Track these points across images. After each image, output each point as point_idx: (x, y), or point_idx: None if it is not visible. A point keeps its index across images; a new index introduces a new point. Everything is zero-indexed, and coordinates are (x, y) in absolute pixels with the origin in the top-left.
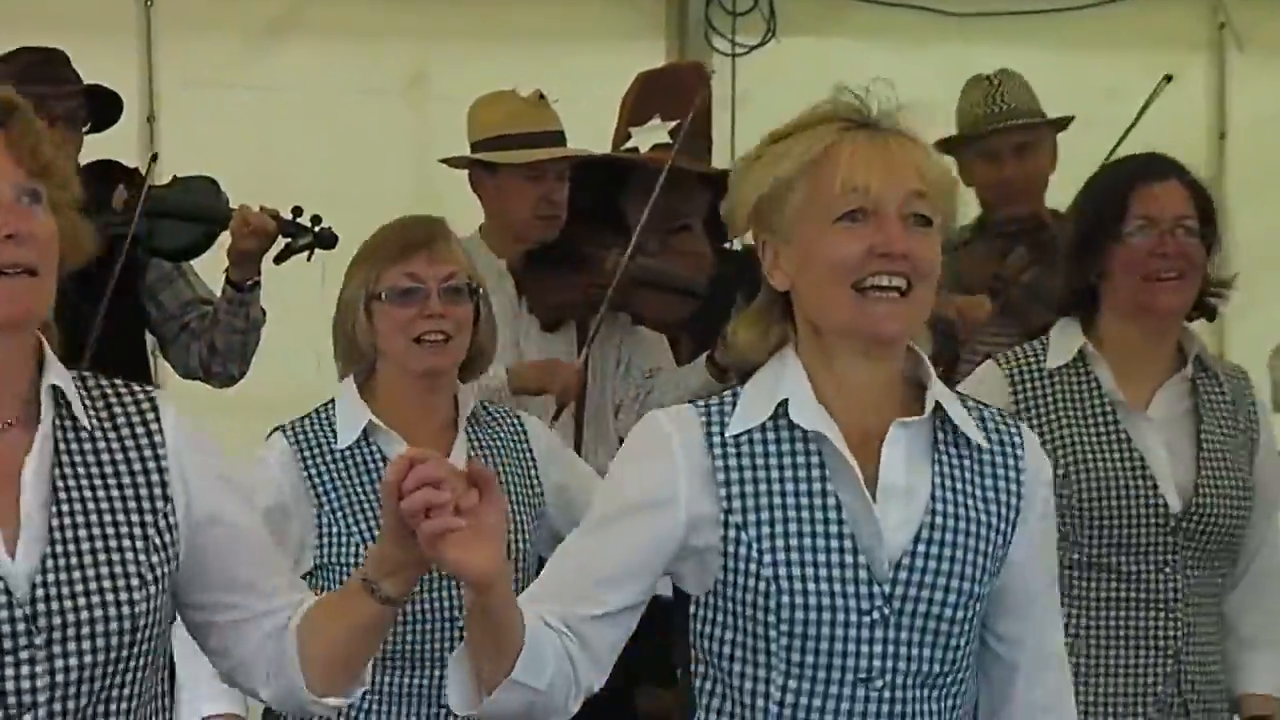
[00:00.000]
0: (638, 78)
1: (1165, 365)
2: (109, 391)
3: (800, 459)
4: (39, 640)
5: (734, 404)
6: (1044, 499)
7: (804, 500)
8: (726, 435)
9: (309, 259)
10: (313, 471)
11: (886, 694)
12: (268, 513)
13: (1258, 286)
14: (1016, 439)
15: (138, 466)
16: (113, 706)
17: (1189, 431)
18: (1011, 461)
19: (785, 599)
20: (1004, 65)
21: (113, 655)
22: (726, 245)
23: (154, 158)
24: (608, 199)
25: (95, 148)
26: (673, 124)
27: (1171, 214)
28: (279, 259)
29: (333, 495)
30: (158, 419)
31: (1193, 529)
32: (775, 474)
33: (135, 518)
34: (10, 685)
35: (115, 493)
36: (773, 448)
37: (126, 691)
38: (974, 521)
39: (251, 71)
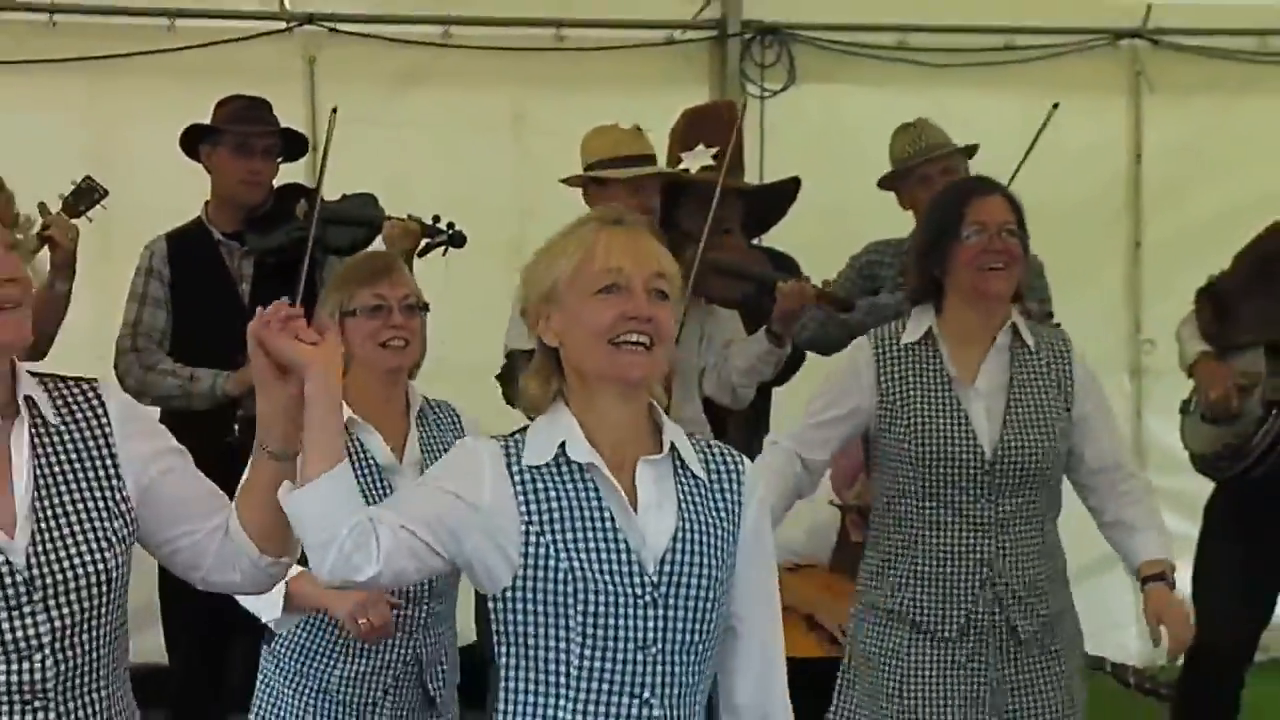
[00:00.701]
0: (684, 113)
1: (982, 347)
2: (65, 391)
3: (579, 483)
4: (37, 598)
5: (523, 443)
6: (754, 514)
7: (586, 513)
8: (524, 464)
9: (444, 254)
10: None
11: (658, 658)
12: None
13: (1170, 275)
14: (736, 469)
15: (95, 451)
16: (97, 645)
17: (1005, 397)
18: (732, 486)
19: (580, 585)
20: (970, 105)
21: (94, 604)
22: (755, 243)
23: (322, 174)
24: (665, 209)
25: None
26: (715, 150)
27: (997, 220)
28: (421, 254)
29: None
30: (103, 406)
31: (1002, 469)
32: (562, 494)
33: (99, 494)
34: (20, 634)
35: (81, 475)
36: (558, 476)
37: (103, 632)
38: (711, 527)
39: (390, 112)
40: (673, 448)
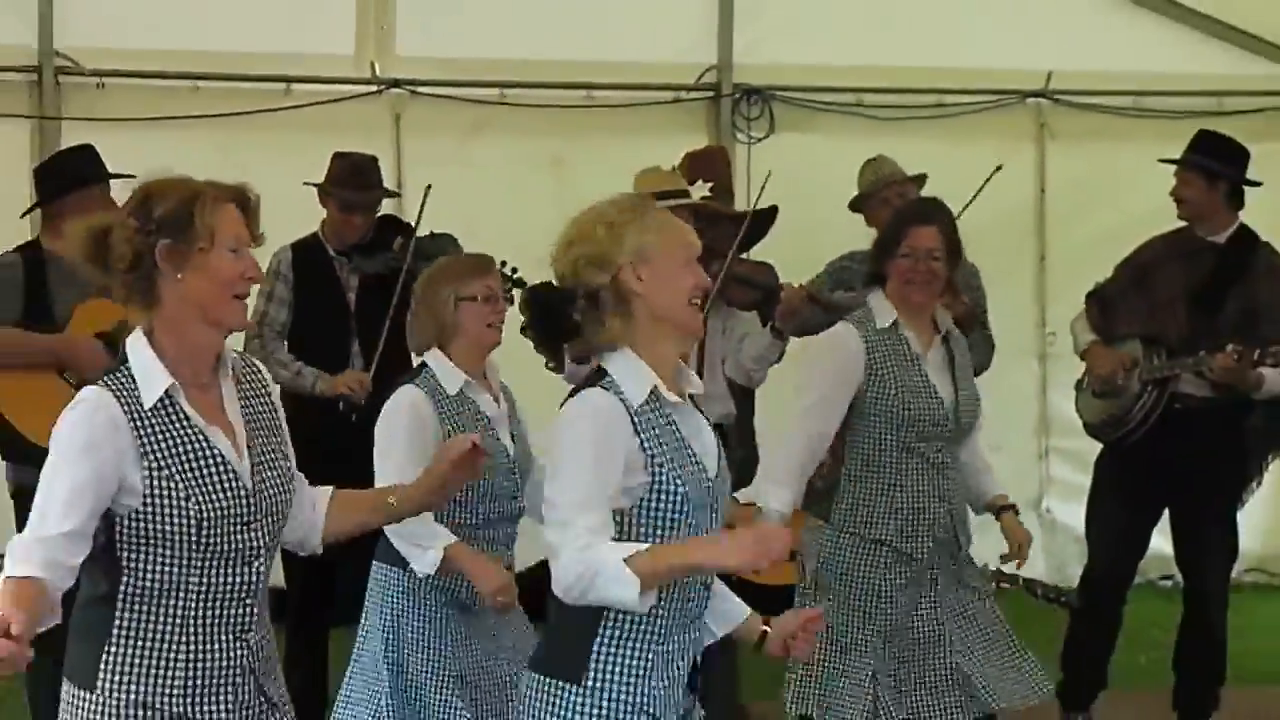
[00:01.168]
0: (686, 155)
1: (928, 332)
2: (244, 363)
3: (666, 419)
4: (259, 514)
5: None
6: None
7: (681, 444)
8: (632, 406)
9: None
10: (441, 408)
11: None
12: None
13: (1066, 282)
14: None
15: (269, 410)
16: (272, 558)
17: (950, 372)
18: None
19: (688, 503)
20: (911, 149)
21: (280, 525)
22: (743, 257)
23: (418, 223)
24: None
25: None
26: (711, 184)
27: (925, 247)
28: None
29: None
30: (266, 381)
31: (957, 425)
32: (663, 430)
33: (278, 441)
34: (247, 543)
35: (267, 425)
36: (654, 415)
37: (275, 548)
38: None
39: (458, 155)
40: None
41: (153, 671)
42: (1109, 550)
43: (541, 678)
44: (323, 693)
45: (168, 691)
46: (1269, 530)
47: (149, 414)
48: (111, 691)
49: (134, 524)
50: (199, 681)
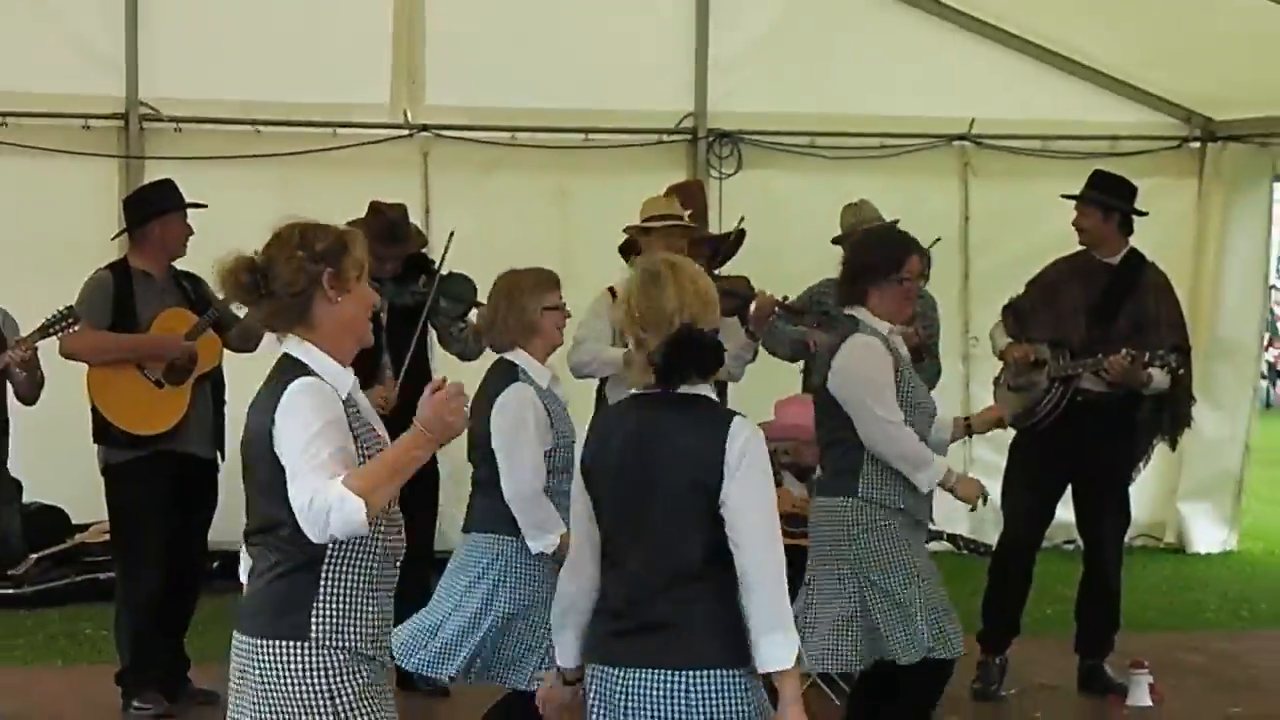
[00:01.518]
0: (669, 188)
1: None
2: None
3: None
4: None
5: None
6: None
7: None
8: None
9: None
10: (541, 400)
11: None
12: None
13: (990, 294)
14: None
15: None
16: None
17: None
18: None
19: None
20: (856, 183)
21: None
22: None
23: (443, 257)
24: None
25: None
26: (690, 211)
27: (918, 272)
28: None
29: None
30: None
31: (936, 416)
32: None
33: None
34: (396, 510)
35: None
36: None
37: None
38: None
39: (477, 188)
40: None
41: (354, 622)
42: (1021, 520)
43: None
44: None
45: (364, 637)
46: (1154, 502)
47: (344, 402)
48: (322, 641)
49: None
50: (379, 628)
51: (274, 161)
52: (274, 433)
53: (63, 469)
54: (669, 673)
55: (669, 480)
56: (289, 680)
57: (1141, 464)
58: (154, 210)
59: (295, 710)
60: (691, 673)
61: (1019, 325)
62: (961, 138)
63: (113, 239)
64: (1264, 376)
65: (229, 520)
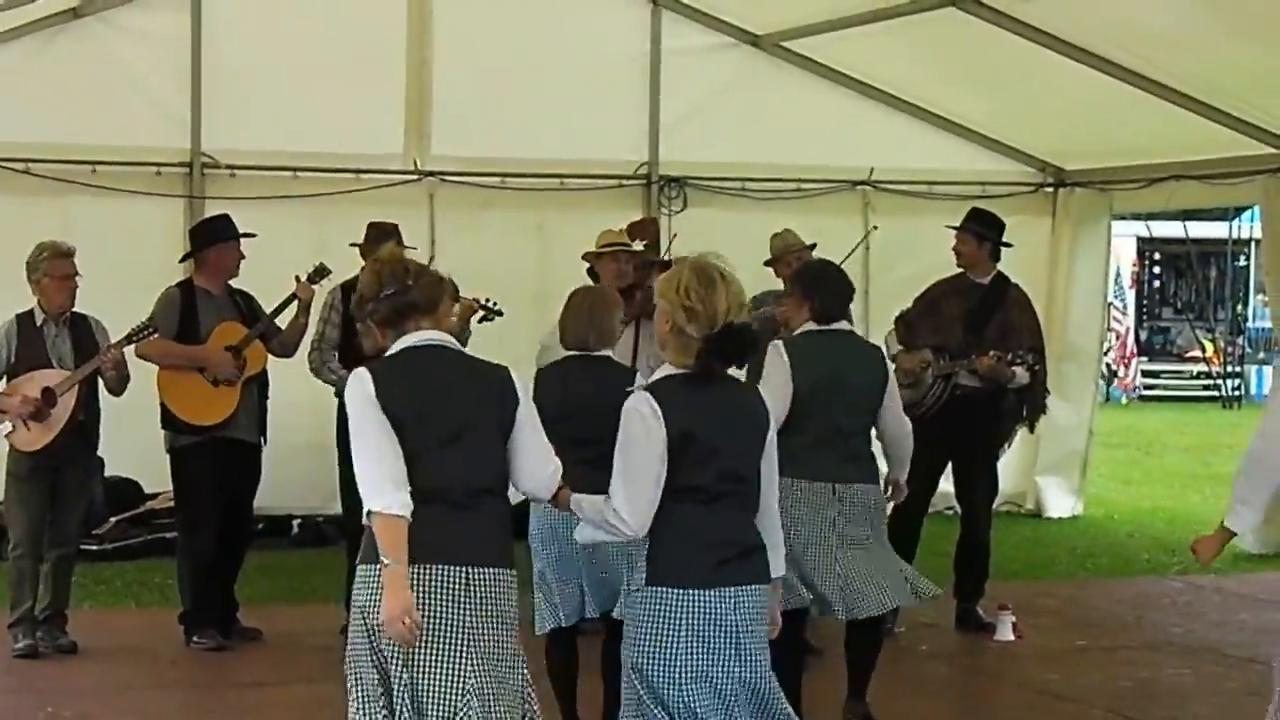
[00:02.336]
0: (629, 223)
1: None
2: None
3: None
4: None
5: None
6: None
7: None
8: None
9: (491, 320)
10: None
11: None
12: None
13: (887, 309)
14: None
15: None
16: None
17: None
18: None
19: None
20: (779, 220)
21: None
22: None
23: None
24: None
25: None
26: (646, 242)
27: None
28: (479, 321)
29: None
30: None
31: None
32: None
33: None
34: None
35: None
36: None
37: None
38: None
39: (474, 223)
40: None
41: None
42: (911, 491)
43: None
44: None
45: None
46: (1016, 476)
47: None
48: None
49: None
50: None
51: (308, 201)
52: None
53: (137, 448)
54: (765, 585)
55: (753, 438)
56: None
57: (1006, 444)
58: (211, 239)
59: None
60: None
61: (908, 332)
62: (863, 183)
63: (180, 261)
64: (1103, 376)
65: (271, 491)
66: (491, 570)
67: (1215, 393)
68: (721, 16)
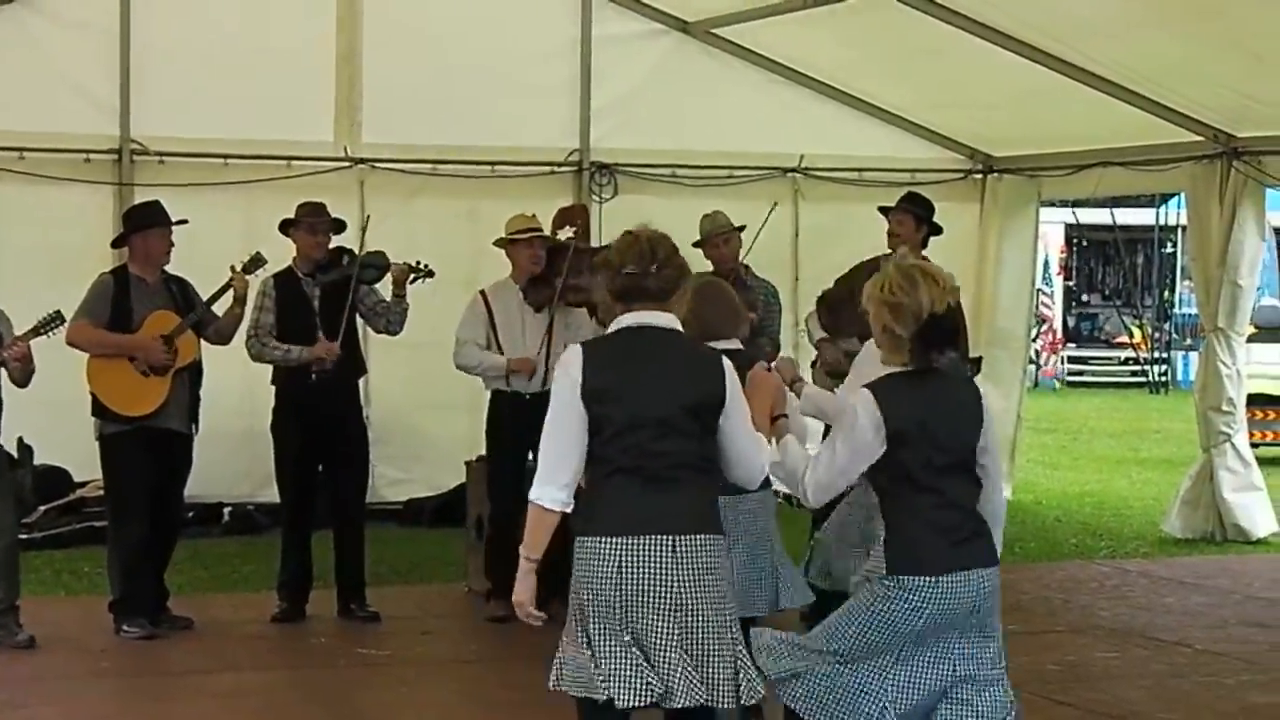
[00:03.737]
0: (559, 209)
1: None
2: None
3: None
4: None
5: None
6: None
7: None
8: None
9: (422, 282)
10: None
11: None
12: None
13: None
14: None
15: None
16: None
17: None
18: None
19: None
20: (709, 205)
21: None
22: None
23: (362, 241)
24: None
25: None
26: (574, 229)
27: None
28: (410, 282)
29: None
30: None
31: None
32: None
33: None
34: None
35: None
36: None
37: None
38: None
39: (404, 209)
40: None
41: None
42: None
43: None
44: (309, 574)
45: None
46: None
47: None
48: None
49: None
50: None
51: (239, 188)
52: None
53: (67, 436)
54: (996, 567)
55: (974, 427)
56: None
57: None
58: (139, 225)
59: None
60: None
61: (831, 316)
62: (793, 170)
63: (114, 246)
64: (1031, 361)
65: (202, 479)
66: (699, 537)
67: (1142, 378)
68: (652, 3)
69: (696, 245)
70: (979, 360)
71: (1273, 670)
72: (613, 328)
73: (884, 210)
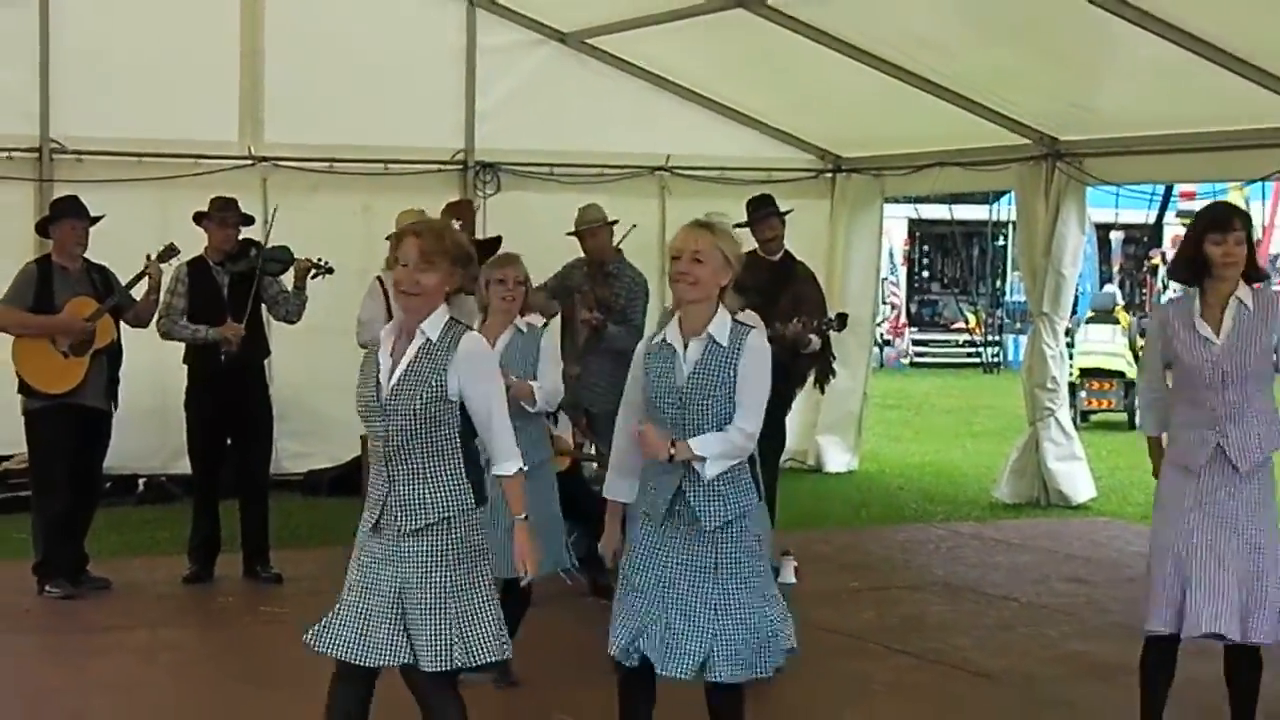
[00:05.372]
0: (446, 204)
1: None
2: (446, 330)
3: (668, 350)
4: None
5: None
6: (746, 358)
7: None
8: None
9: (322, 277)
10: None
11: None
12: None
13: None
14: (742, 340)
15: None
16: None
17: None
18: (738, 348)
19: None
20: (581, 200)
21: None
22: None
23: (268, 234)
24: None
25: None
26: (460, 222)
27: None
28: (312, 277)
29: None
30: (457, 341)
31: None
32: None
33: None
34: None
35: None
36: (658, 350)
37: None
38: (719, 368)
39: (303, 205)
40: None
41: None
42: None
43: None
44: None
45: None
46: (800, 435)
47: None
48: None
49: None
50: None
51: (152, 184)
52: None
53: None
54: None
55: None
56: None
57: (790, 405)
58: (53, 217)
59: None
60: None
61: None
62: (661, 169)
63: (37, 233)
64: (877, 344)
65: (118, 453)
66: None
67: (977, 359)
68: (531, 15)
69: (572, 234)
70: (843, 316)
71: (1090, 621)
72: None
73: (752, 223)
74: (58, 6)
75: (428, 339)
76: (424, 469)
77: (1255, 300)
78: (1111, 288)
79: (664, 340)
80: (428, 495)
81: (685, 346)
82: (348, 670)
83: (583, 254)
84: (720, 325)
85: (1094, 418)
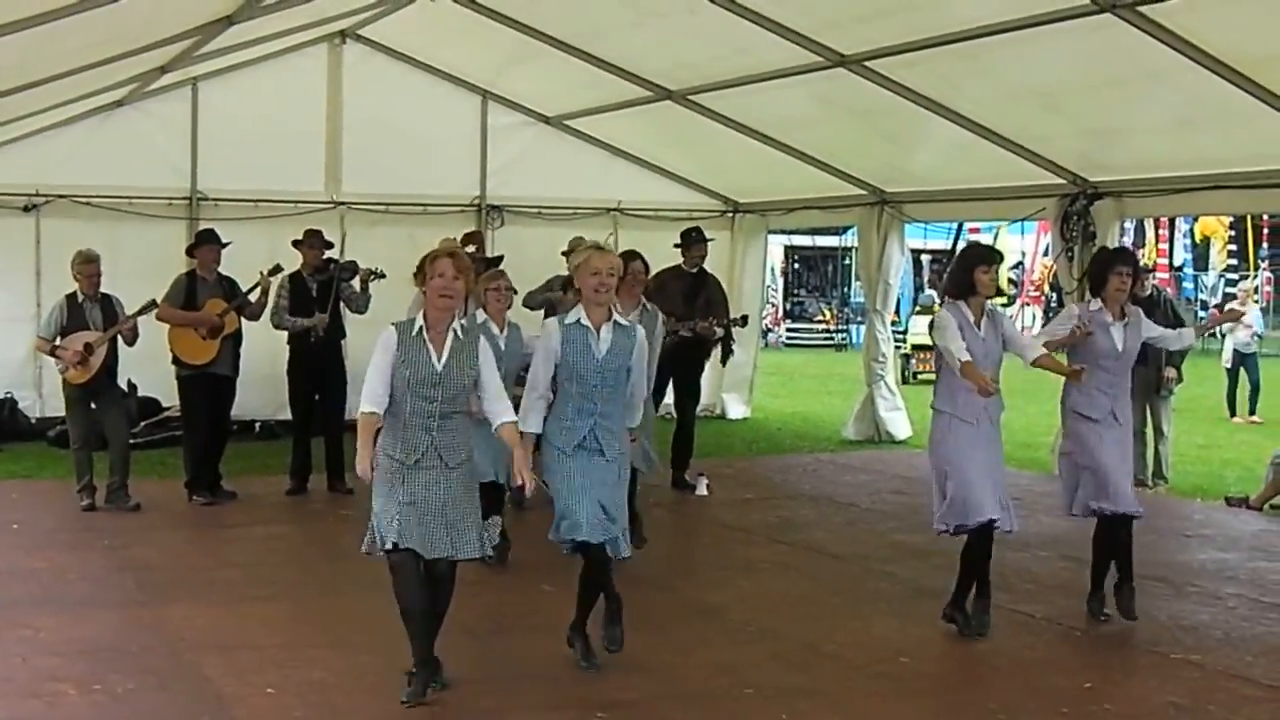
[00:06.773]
0: (464, 234)
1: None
2: (466, 327)
3: (582, 332)
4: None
5: (568, 319)
6: (640, 344)
7: (582, 343)
8: (565, 324)
9: (378, 280)
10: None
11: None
12: None
13: None
14: (634, 330)
15: (474, 350)
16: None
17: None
18: (633, 335)
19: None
20: (546, 239)
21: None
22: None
23: (342, 253)
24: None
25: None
26: (474, 247)
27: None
28: (373, 281)
29: None
30: (475, 336)
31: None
32: (576, 336)
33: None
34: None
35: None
36: (576, 329)
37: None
38: (623, 349)
39: (371, 236)
40: (615, 321)
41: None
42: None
43: None
44: (310, 464)
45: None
46: (710, 392)
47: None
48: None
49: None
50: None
51: (264, 221)
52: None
53: (156, 379)
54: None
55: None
56: None
57: (702, 373)
58: (195, 244)
59: None
60: None
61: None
62: (615, 209)
63: (186, 254)
64: (762, 331)
65: (241, 404)
66: None
67: (831, 342)
68: (525, 104)
69: (564, 254)
70: (745, 317)
71: (909, 519)
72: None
73: (687, 245)
74: (204, 99)
75: (457, 333)
76: (459, 423)
77: (994, 313)
78: (931, 292)
79: (578, 322)
80: (462, 441)
81: (598, 331)
82: (407, 559)
83: (566, 270)
84: (616, 317)
85: (920, 377)
